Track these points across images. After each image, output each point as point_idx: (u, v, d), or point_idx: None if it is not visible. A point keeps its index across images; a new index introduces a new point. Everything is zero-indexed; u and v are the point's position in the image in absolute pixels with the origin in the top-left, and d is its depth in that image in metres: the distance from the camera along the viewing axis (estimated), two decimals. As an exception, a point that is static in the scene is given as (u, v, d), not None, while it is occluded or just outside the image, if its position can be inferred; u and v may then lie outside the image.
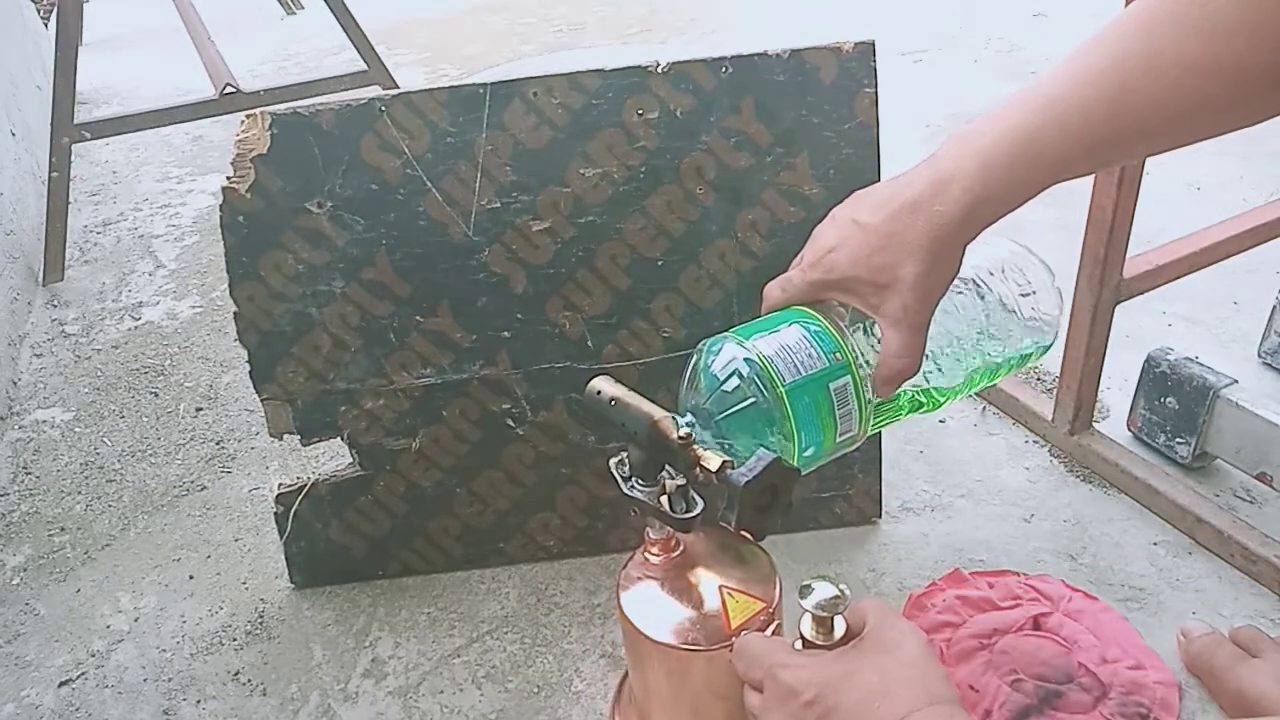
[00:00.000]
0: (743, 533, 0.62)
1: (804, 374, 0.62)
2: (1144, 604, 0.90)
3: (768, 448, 0.60)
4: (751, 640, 0.64)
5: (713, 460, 0.62)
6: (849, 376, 0.63)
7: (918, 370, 0.62)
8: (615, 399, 0.67)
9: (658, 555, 0.73)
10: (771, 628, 0.70)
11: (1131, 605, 0.90)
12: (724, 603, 0.70)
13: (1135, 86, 0.53)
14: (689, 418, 0.64)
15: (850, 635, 0.63)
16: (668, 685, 0.73)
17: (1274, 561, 0.89)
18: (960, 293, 0.71)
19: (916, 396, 0.70)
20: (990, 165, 0.57)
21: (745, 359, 0.63)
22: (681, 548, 0.73)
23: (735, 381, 0.62)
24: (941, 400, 0.72)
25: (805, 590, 0.62)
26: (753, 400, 0.62)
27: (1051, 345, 0.76)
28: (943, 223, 0.57)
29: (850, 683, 0.57)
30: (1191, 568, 0.94)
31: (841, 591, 0.62)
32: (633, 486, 0.68)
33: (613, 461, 0.70)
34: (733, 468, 0.60)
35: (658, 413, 0.65)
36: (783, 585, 0.71)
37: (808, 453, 0.64)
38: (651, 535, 0.72)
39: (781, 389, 0.61)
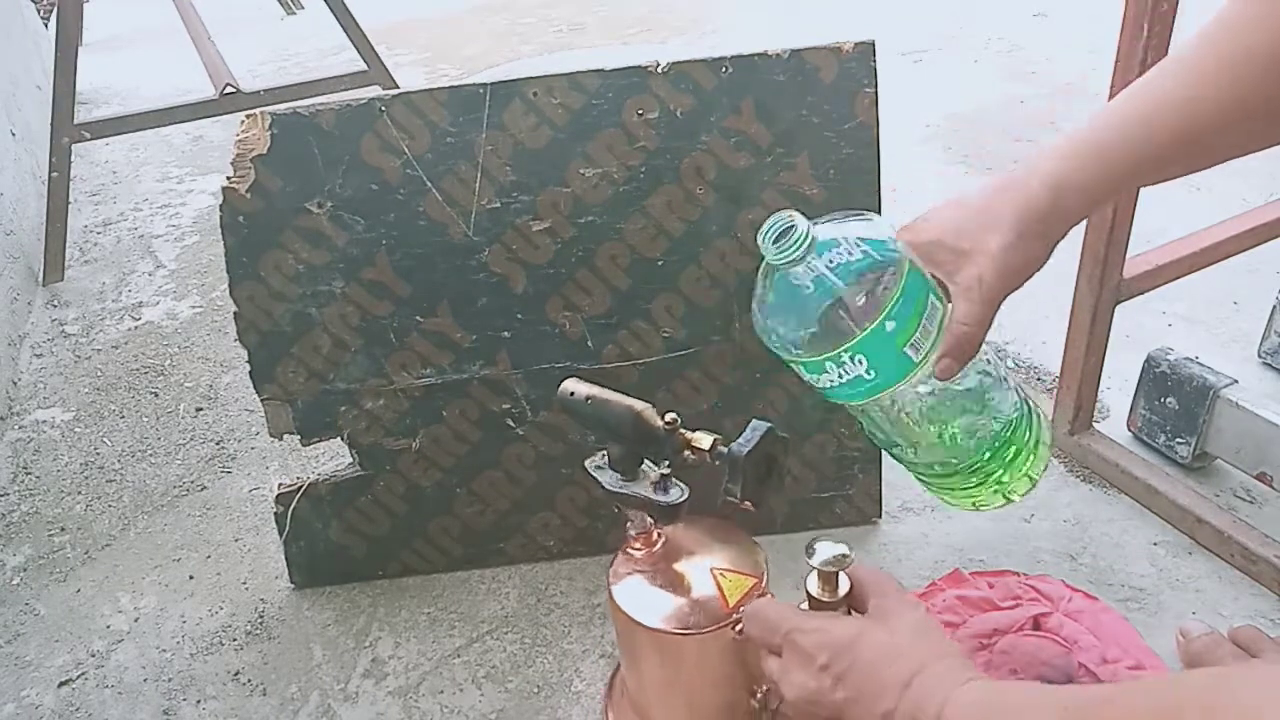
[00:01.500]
0: (745, 504, 0.64)
1: (919, 268, 0.62)
2: (1144, 604, 0.90)
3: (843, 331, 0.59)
4: (763, 605, 0.66)
5: (704, 439, 0.63)
6: (940, 304, 0.62)
7: (978, 349, 0.62)
8: (590, 397, 0.68)
9: (641, 550, 0.74)
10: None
11: (1131, 605, 0.90)
12: (718, 583, 0.71)
13: (1203, 125, 0.59)
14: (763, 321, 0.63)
15: (853, 594, 0.65)
16: (672, 674, 0.73)
17: (1274, 561, 0.89)
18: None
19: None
20: (1069, 169, 0.61)
21: (877, 238, 0.61)
22: (663, 539, 0.74)
23: (862, 251, 0.61)
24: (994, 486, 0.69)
25: (810, 549, 0.64)
26: (883, 263, 0.60)
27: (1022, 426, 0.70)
28: (1030, 202, 0.60)
29: (862, 643, 0.59)
30: (1191, 568, 0.94)
31: (845, 550, 0.64)
32: (614, 481, 0.69)
33: (588, 463, 0.71)
34: (724, 445, 0.61)
35: (638, 404, 0.66)
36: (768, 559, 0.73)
37: (889, 333, 0.60)
38: (632, 531, 0.73)
39: (907, 262, 0.61)
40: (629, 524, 0.74)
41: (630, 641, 0.74)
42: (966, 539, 0.99)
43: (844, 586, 0.65)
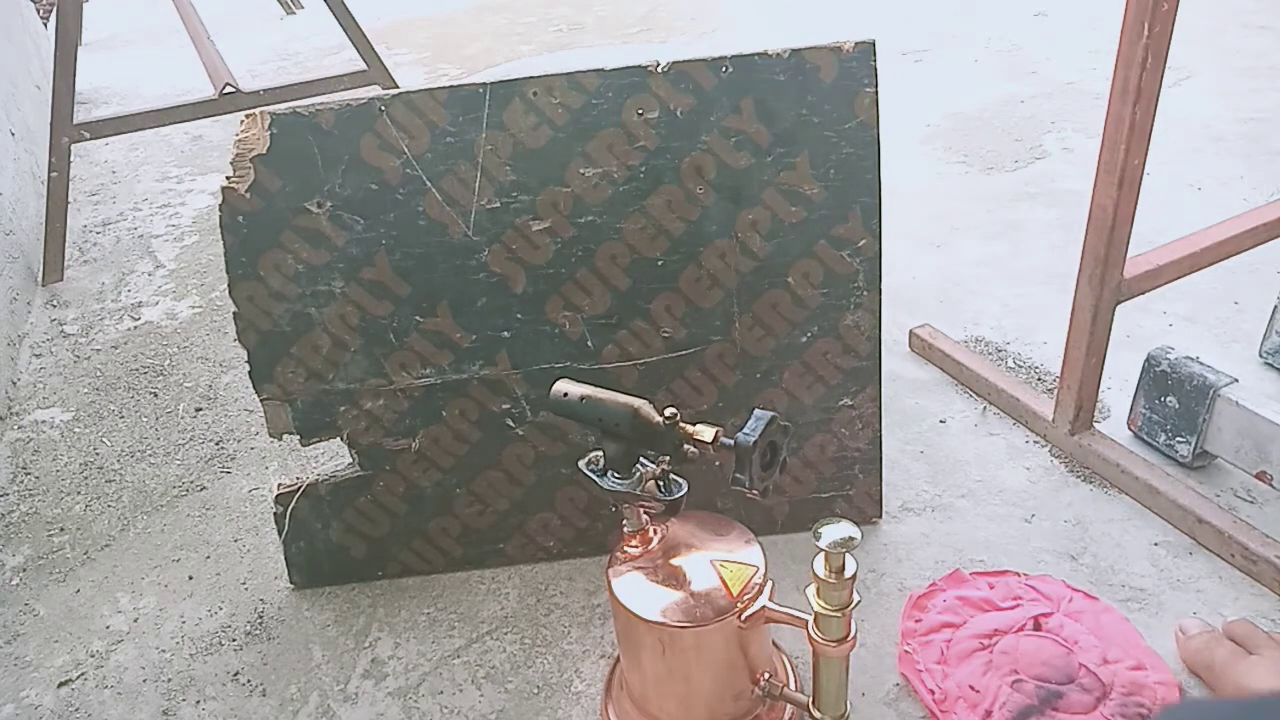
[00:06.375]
0: (753, 492, 0.65)
1: None
2: (1145, 604, 0.90)
3: None
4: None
5: (705, 432, 0.65)
6: None
7: None
8: (585, 397, 0.69)
9: (638, 547, 0.74)
10: (768, 589, 0.72)
11: (1132, 605, 0.90)
12: (719, 574, 0.72)
13: None
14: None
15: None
16: (679, 667, 0.73)
17: (1274, 561, 0.89)
18: None
19: None
20: None
21: None
22: (659, 536, 0.75)
23: None
24: None
25: (818, 532, 0.65)
26: None
27: None
28: None
29: None
30: (1192, 568, 0.93)
31: (853, 531, 0.65)
32: (611, 481, 0.70)
33: (582, 462, 0.72)
34: (727, 436, 0.62)
35: (635, 401, 0.66)
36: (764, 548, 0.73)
37: None
38: (627, 529, 0.74)
39: None
40: (624, 523, 0.74)
41: (635, 638, 0.75)
42: (967, 539, 0.99)
43: (849, 569, 0.66)
